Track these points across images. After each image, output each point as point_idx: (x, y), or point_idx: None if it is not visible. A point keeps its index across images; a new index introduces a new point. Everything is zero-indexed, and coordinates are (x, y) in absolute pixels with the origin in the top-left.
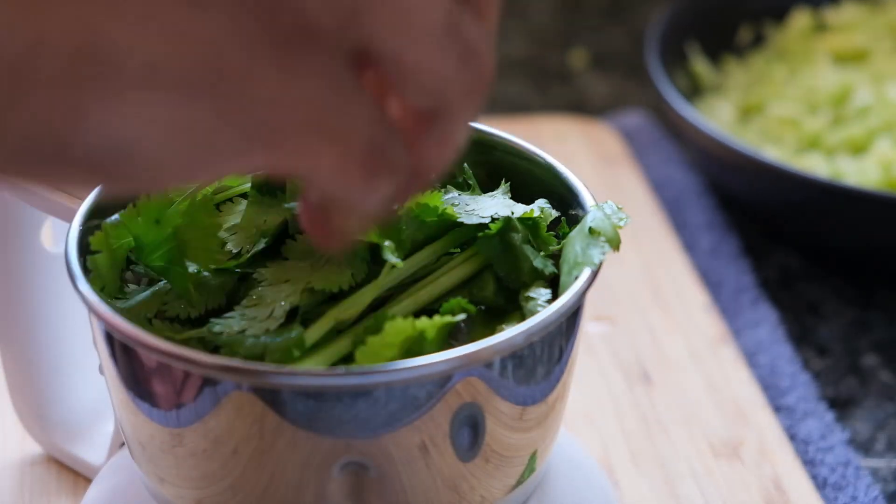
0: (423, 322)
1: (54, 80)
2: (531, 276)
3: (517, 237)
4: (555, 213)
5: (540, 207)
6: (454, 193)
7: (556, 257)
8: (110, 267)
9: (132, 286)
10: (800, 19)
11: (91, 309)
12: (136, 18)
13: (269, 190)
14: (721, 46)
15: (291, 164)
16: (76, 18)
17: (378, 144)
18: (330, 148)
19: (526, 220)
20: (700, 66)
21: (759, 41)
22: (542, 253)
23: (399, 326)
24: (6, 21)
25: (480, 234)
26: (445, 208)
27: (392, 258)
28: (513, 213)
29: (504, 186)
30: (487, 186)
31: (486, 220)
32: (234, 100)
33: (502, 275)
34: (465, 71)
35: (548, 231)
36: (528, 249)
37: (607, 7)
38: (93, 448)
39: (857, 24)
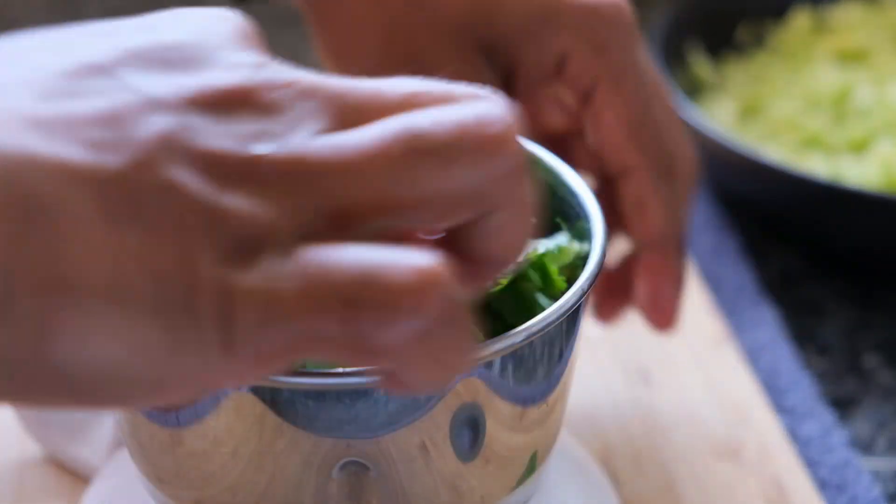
0: None
1: (29, 308)
2: None
3: (529, 287)
4: (575, 248)
5: (559, 246)
6: None
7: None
8: None
9: None
10: (800, 19)
11: None
12: (95, 242)
13: None
14: (721, 46)
15: (245, 379)
16: (45, 245)
17: (356, 331)
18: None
19: (536, 264)
20: (700, 65)
21: (759, 41)
22: (553, 298)
23: None
24: None
25: (492, 290)
26: None
27: None
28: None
29: None
30: None
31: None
32: (183, 321)
33: (508, 318)
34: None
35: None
36: (541, 299)
37: None
38: (92, 448)
39: (857, 24)
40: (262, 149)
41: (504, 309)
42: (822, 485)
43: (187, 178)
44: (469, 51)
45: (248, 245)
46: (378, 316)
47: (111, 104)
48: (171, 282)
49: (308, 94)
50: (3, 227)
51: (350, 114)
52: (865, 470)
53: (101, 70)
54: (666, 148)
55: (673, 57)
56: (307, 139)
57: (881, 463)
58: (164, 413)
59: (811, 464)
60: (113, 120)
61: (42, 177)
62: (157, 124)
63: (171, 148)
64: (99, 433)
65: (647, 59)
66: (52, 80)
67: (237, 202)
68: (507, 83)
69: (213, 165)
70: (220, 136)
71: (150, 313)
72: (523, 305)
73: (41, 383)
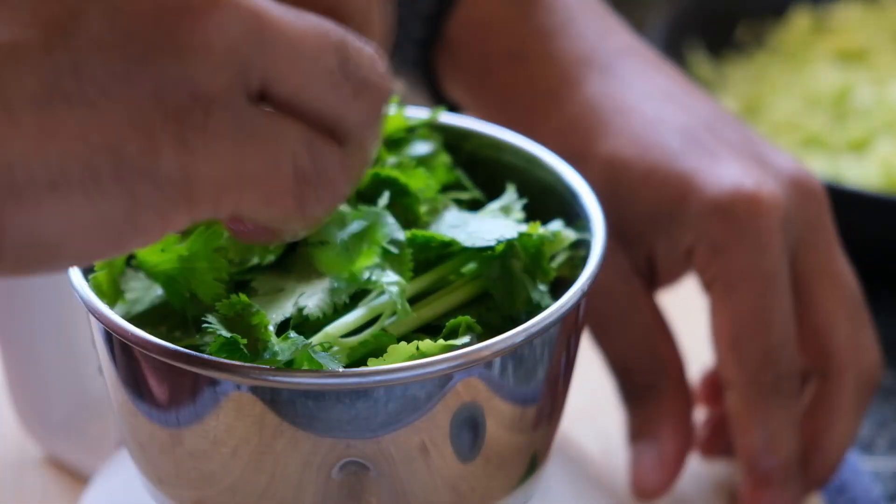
0: (427, 345)
1: None
2: (526, 307)
3: (517, 264)
4: (572, 237)
5: (553, 232)
6: (456, 211)
7: (556, 284)
8: (111, 284)
9: (132, 287)
10: (800, 19)
11: (90, 309)
12: (33, 127)
13: None
14: (721, 46)
15: (220, 214)
16: None
17: (304, 169)
18: (255, 192)
19: (529, 246)
20: (700, 65)
21: (759, 40)
22: (539, 283)
23: (402, 350)
24: None
25: (483, 255)
26: (444, 237)
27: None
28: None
29: (509, 197)
30: (491, 188)
31: (492, 244)
32: (141, 180)
33: (498, 299)
34: (359, 103)
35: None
36: (526, 279)
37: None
38: (92, 449)
39: (857, 24)
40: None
41: (490, 280)
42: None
43: (111, 40)
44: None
45: (189, 110)
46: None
47: None
48: (127, 151)
49: None
50: None
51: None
52: (865, 470)
53: None
54: (779, 366)
55: (673, 57)
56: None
57: (881, 463)
58: (165, 413)
59: None
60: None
61: None
62: None
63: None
64: (99, 433)
65: (829, 259)
66: None
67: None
68: (649, 264)
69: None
70: None
71: (109, 190)
72: (509, 280)
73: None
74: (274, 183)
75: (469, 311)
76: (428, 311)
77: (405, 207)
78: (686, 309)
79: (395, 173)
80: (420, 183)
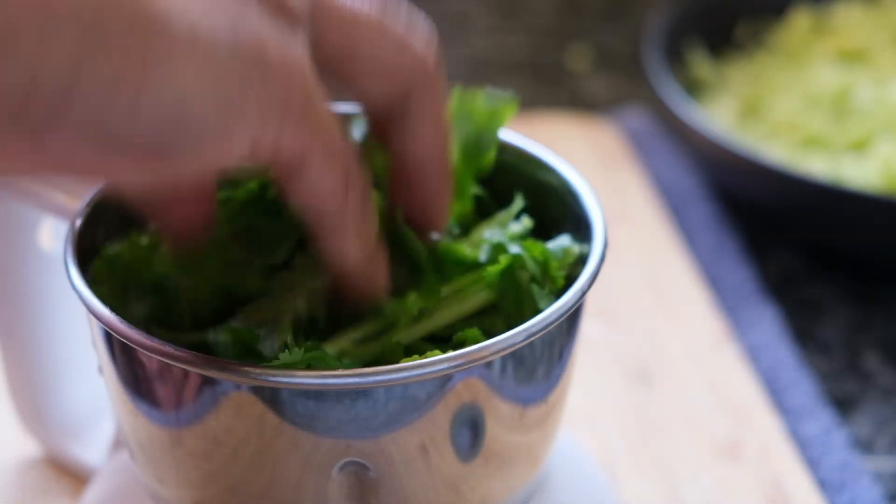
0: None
1: (122, 45)
2: (534, 316)
3: (524, 276)
4: (576, 251)
5: (563, 248)
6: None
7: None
8: (111, 290)
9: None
10: (800, 19)
11: (90, 310)
12: None
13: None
14: (721, 45)
15: (294, 145)
16: None
17: (345, 162)
18: (323, 145)
19: (537, 255)
20: (700, 65)
21: (759, 40)
22: (547, 292)
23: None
24: None
25: (489, 266)
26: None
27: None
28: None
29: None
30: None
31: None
32: (252, 65)
33: (506, 310)
34: (414, 44)
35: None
36: (534, 289)
37: (607, 6)
38: (92, 449)
39: (857, 24)
40: None
41: (498, 291)
42: (823, 484)
43: None
44: None
45: (288, 14)
46: None
47: None
48: (242, 28)
49: None
50: None
51: None
52: (866, 470)
53: None
54: None
55: (673, 57)
56: None
57: (881, 463)
58: (165, 413)
59: (811, 463)
60: None
61: None
62: None
63: None
64: (99, 433)
65: None
66: None
67: None
68: None
69: None
70: None
71: (225, 54)
72: (516, 292)
73: (128, 139)
74: (336, 149)
75: (476, 322)
76: (436, 320)
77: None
78: (686, 306)
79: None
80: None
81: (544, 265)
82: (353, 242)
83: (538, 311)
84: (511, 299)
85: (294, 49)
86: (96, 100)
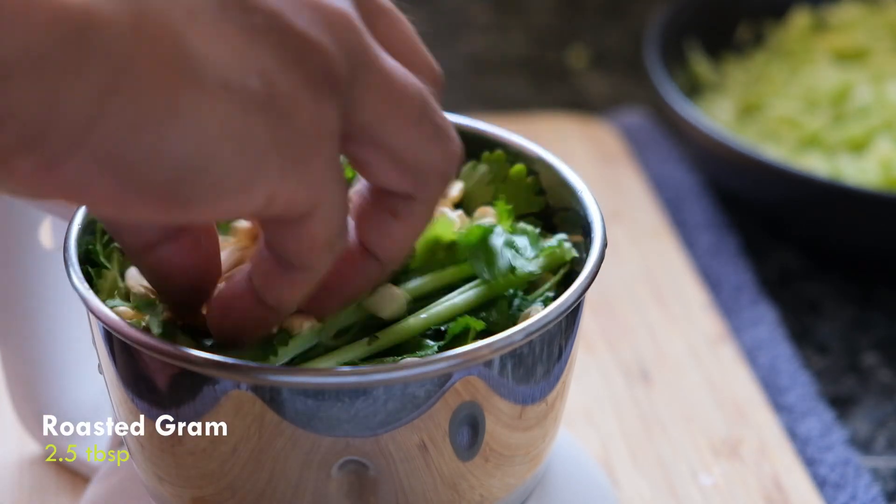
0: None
1: (150, 87)
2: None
3: (498, 240)
4: (573, 253)
5: (560, 242)
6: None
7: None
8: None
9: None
10: (800, 18)
11: (90, 309)
12: (208, 30)
13: None
14: (721, 45)
15: (305, 204)
16: (162, 16)
17: (344, 222)
18: (333, 192)
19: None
20: (700, 64)
21: (758, 40)
22: (528, 259)
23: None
24: (111, 9)
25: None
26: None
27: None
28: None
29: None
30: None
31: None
32: (282, 123)
33: (477, 271)
34: (438, 152)
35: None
36: (507, 251)
37: (607, 5)
38: (92, 448)
39: (857, 24)
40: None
41: (470, 255)
42: (821, 483)
43: (288, 7)
44: None
45: (329, 81)
46: None
47: None
48: (278, 87)
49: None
50: (122, 17)
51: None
52: (864, 468)
53: None
54: None
55: (673, 57)
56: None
57: (880, 461)
58: (164, 412)
59: (810, 462)
60: None
61: None
62: None
63: None
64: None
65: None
66: None
67: (324, 39)
68: None
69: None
70: None
71: (255, 109)
72: (488, 251)
73: (146, 178)
74: (340, 200)
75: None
76: (434, 315)
77: None
78: (685, 305)
79: None
80: None
81: (522, 234)
82: (300, 294)
83: (512, 269)
84: (482, 257)
85: (325, 114)
86: (118, 136)
